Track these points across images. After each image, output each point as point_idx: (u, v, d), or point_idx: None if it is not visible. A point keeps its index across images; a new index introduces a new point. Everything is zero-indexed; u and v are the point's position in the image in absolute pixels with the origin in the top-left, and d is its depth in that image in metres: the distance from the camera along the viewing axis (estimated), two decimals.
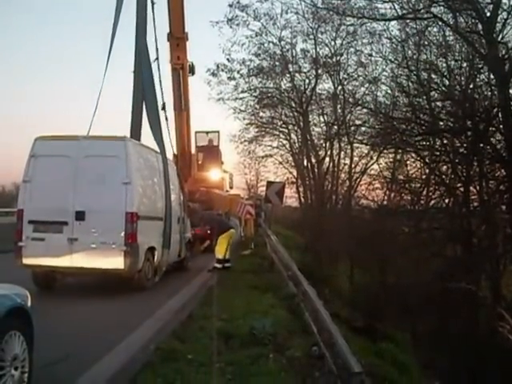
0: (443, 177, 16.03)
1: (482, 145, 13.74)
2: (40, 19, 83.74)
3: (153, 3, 12.06)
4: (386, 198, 22.04)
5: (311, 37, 24.97)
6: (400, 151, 19.42)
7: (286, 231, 33.23)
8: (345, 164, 27.40)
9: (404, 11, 14.77)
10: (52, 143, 9.76)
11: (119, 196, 9.27)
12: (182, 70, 17.34)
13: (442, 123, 15.62)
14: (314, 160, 27.83)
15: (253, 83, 26.96)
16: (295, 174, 32.00)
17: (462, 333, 12.75)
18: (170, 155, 13.05)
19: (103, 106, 11.13)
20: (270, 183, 21.57)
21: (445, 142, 15.44)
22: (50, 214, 9.38)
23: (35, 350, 4.47)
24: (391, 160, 22.20)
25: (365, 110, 22.22)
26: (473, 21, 13.99)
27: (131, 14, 11.43)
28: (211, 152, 22.14)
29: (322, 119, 28.55)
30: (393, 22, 17.21)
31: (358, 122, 23.81)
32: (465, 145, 14.69)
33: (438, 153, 16.03)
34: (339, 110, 26.07)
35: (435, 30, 15.95)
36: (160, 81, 12.03)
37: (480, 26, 13.58)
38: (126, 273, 9.44)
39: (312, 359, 6.02)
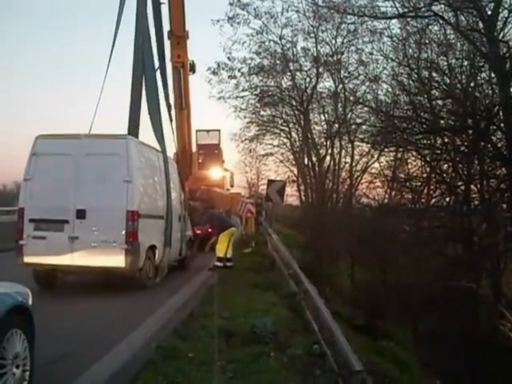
0: (444, 175, 16.02)
1: (482, 143, 13.73)
2: (40, 24, 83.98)
3: (160, 3, 12.08)
4: (386, 196, 22.03)
5: (312, 35, 24.96)
6: (401, 150, 19.41)
7: (287, 230, 33.24)
8: (345, 162, 27.38)
9: (405, 9, 14.74)
10: (53, 141, 9.77)
11: (120, 194, 9.28)
12: (182, 69, 17.34)
13: (442, 121, 15.60)
14: (314, 158, 27.81)
15: (253, 82, 26.97)
16: (296, 172, 32.06)
17: (463, 331, 12.74)
18: (170, 153, 13.11)
19: (103, 106, 11.15)
20: (270, 181, 21.57)
21: (446, 140, 15.43)
22: (51, 213, 9.39)
23: (36, 349, 4.47)
24: (392, 158, 22.17)
25: (366, 109, 22.20)
26: (474, 19, 13.96)
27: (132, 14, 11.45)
28: (212, 150, 22.14)
29: (322, 118, 28.56)
30: (394, 21, 17.19)
31: (358, 121, 23.79)
32: (466, 143, 14.67)
33: (438, 151, 16.01)
34: (340, 109, 26.04)
35: (436, 28, 15.91)
36: (165, 81, 12.09)
37: (481, 25, 13.56)
38: (126, 271, 9.45)
39: (313, 357, 6.02)
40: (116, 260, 9.20)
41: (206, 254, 13.87)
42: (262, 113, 29.45)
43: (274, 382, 5.18)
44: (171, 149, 15.32)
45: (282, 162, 33.30)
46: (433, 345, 13.00)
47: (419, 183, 17.99)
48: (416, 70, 16.51)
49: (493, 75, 13.93)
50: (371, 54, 22.05)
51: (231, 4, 23.86)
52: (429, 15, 14.48)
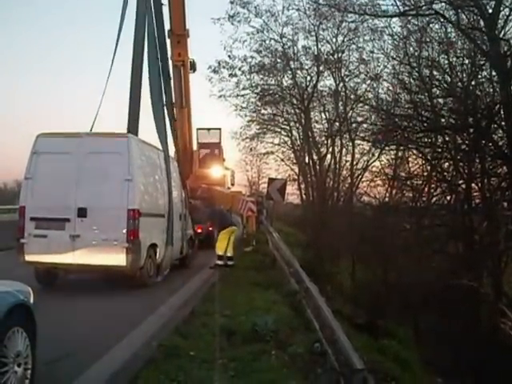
0: (445, 174, 15.99)
1: (483, 142, 13.71)
2: (40, 24, 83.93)
3: (161, 4, 12.05)
4: (387, 194, 21.98)
5: (313, 34, 24.98)
6: (402, 148, 19.39)
7: (288, 228, 33.21)
8: (346, 161, 27.32)
9: (406, 8, 14.72)
10: (54, 140, 9.77)
11: (121, 193, 9.29)
12: (183, 67, 17.31)
13: (443, 120, 15.57)
14: (315, 157, 27.80)
15: (254, 80, 26.96)
16: (297, 170, 31.99)
17: (464, 329, 12.74)
18: (171, 152, 13.08)
19: (105, 104, 11.12)
20: (271, 180, 21.54)
21: (447, 138, 15.40)
22: (52, 211, 9.40)
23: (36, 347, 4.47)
24: (393, 157, 22.13)
25: (366, 107, 22.19)
26: (475, 17, 13.92)
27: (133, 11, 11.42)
28: (213, 149, 22.13)
29: (323, 116, 28.52)
30: (394, 19, 17.17)
31: (359, 119, 23.77)
32: (467, 142, 14.65)
33: (439, 150, 15.99)
34: (341, 107, 26.00)
35: (437, 26, 15.87)
36: (164, 79, 12.06)
37: (482, 23, 13.53)
38: (127, 270, 9.45)
39: (314, 356, 6.03)
40: (117, 258, 9.21)
41: (207, 252, 13.87)
42: (262, 111, 29.48)
43: (275, 380, 5.18)
44: (172, 147, 15.29)
45: (282, 160, 33.29)
46: (434, 343, 13.00)
47: (420, 182, 17.96)
48: (417, 69, 16.50)
49: (494, 73, 13.90)
50: (372, 52, 22.11)
51: (232, 2, 23.94)
52: (430, 13, 14.47)
